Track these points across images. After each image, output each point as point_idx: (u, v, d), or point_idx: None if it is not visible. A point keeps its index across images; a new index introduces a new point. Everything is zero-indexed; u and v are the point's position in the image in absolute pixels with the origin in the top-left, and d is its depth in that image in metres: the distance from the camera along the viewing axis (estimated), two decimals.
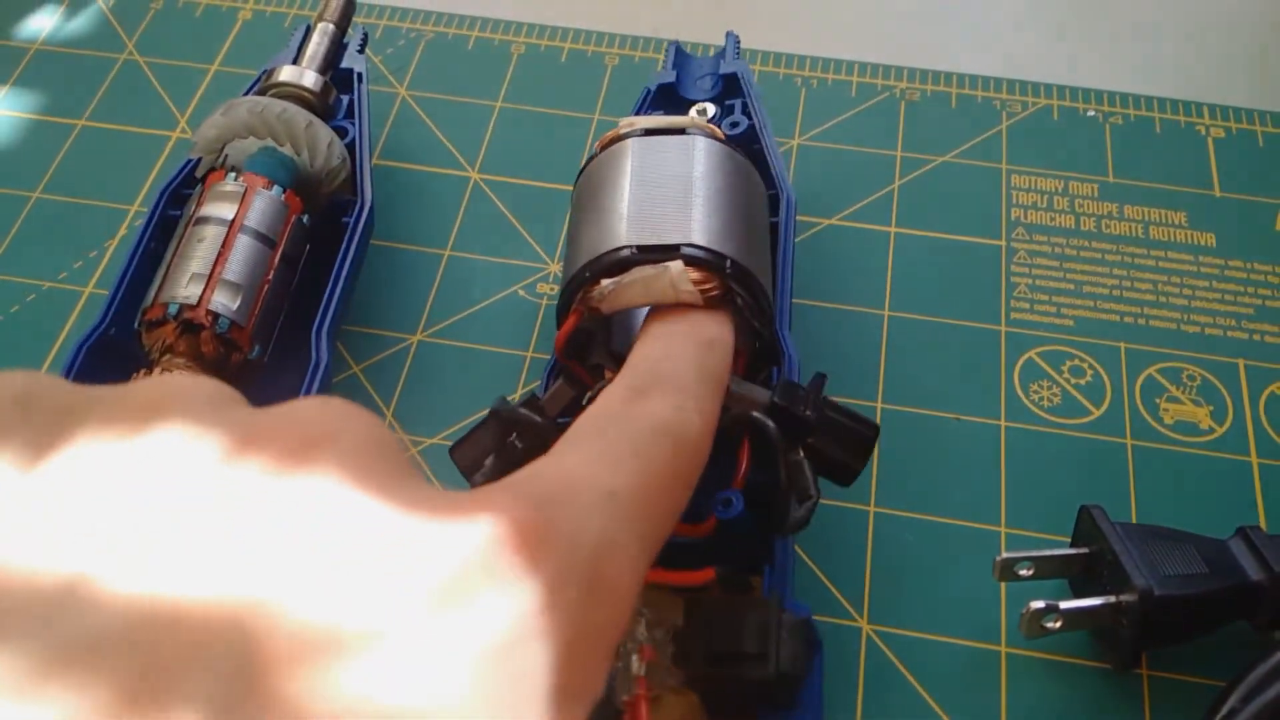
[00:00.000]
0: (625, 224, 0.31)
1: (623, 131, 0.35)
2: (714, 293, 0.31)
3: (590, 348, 0.34)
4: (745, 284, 0.31)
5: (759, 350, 0.33)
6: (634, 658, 0.26)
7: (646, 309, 0.35)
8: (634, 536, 0.19)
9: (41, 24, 0.50)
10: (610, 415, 0.23)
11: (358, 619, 0.13)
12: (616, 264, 0.31)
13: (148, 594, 0.13)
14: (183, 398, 0.16)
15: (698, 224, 0.31)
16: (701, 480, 0.32)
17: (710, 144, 0.34)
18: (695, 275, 0.30)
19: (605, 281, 0.31)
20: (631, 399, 0.23)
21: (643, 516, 0.20)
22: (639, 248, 0.31)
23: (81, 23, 0.50)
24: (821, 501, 0.35)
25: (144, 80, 0.48)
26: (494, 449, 0.29)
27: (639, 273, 0.30)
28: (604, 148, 0.35)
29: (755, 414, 0.28)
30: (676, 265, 0.30)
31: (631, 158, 0.33)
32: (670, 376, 0.25)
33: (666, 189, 0.32)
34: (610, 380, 0.33)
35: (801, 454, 0.28)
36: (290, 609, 0.13)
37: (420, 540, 0.15)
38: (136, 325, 0.36)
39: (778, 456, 0.28)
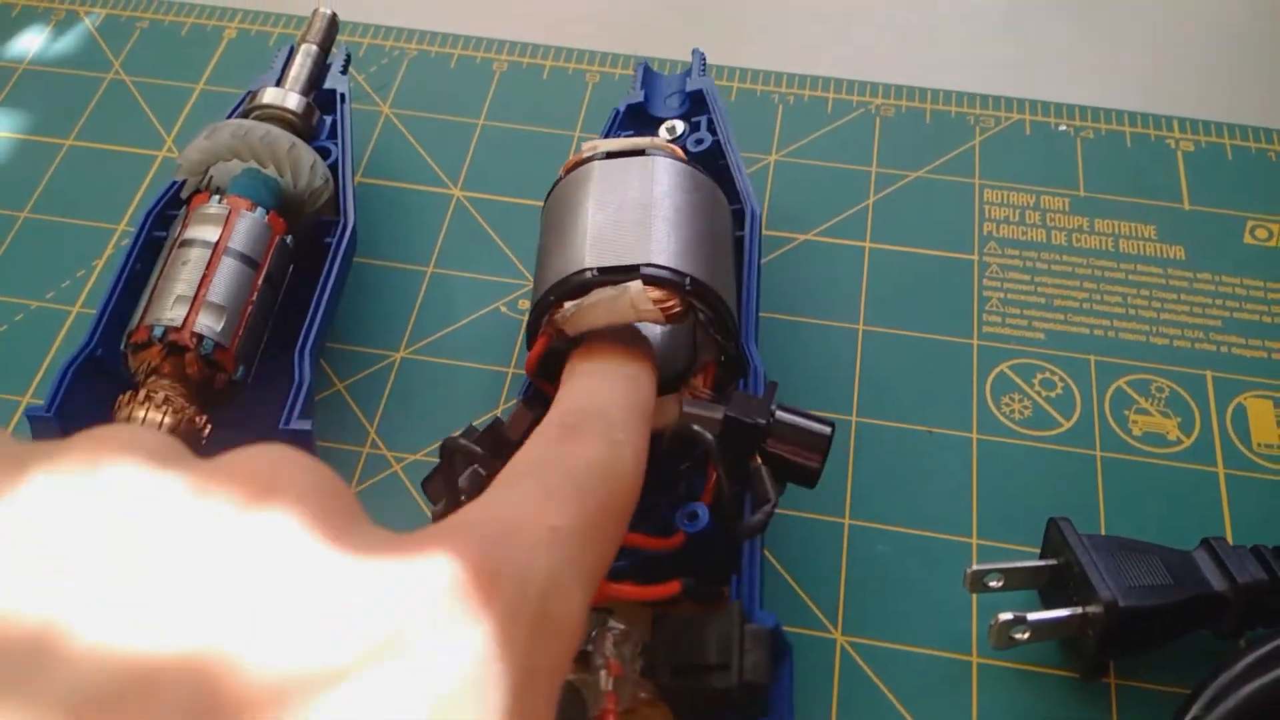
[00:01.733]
0: (587, 247, 0.32)
1: (585, 155, 0.36)
2: (675, 310, 0.31)
3: (561, 368, 0.35)
4: (706, 299, 0.32)
5: (725, 363, 0.33)
6: (602, 673, 0.27)
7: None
8: (577, 572, 0.19)
9: (29, 44, 0.51)
10: (545, 453, 0.23)
11: (313, 668, 0.14)
12: (579, 286, 0.32)
13: (109, 651, 0.13)
14: (130, 451, 0.16)
15: (657, 244, 0.32)
16: (671, 493, 0.33)
17: (670, 164, 0.35)
18: (656, 294, 0.31)
19: (568, 304, 0.32)
20: (564, 437, 0.24)
21: (584, 552, 0.20)
22: (600, 270, 0.31)
23: (68, 42, 0.51)
24: (797, 514, 0.36)
25: (130, 100, 0.49)
26: (458, 482, 0.30)
27: (600, 294, 0.31)
28: (568, 171, 0.36)
29: (694, 426, 0.29)
30: (636, 285, 0.31)
31: (593, 181, 0.34)
32: (600, 412, 0.25)
33: (627, 211, 0.33)
34: None
35: (759, 461, 0.29)
36: (248, 660, 0.13)
37: (371, 587, 0.15)
38: (122, 347, 0.36)
39: (718, 465, 0.29)
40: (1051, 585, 0.34)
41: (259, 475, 0.16)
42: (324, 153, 0.42)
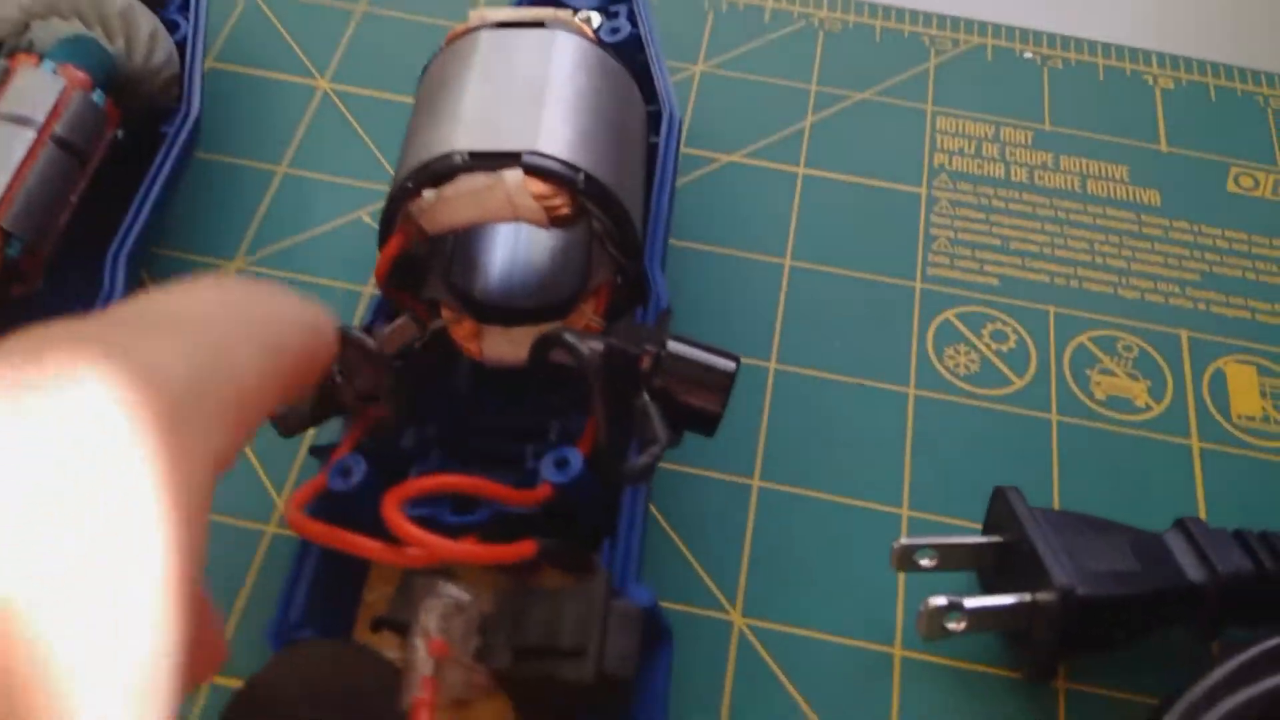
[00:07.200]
0: (461, 127, 0.27)
1: (472, 24, 0.30)
2: (563, 210, 0.25)
3: (424, 278, 0.28)
4: (604, 204, 0.26)
5: (621, 287, 0.27)
6: (421, 651, 0.21)
7: (505, 231, 0.30)
8: None
9: None
10: None
11: None
12: (445, 173, 0.25)
13: None
14: None
15: (547, 129, 0.26)
16: (540, 442, 0.27)
17: (574, 40, 0.29)
18: (539, 188, 0.25)
19: (428, 193, 0.25)
20: None
21: None
22: (472, 154, 0.25)
23: None
24: (697, 472, 0.30)
25: None
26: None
27: (468, 182, 0.25)
28: (451, 43, 0.30)
29: (566, 337, 0.23)
30: (514, 175, 0.25)
31: (478, 54, 0.29)
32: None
33: (515, 89, 0.28)
34: (452, 320, 0.28)
35: (647, 398, 0.23)
36: None
37: None
38: None
39: (594, 389, 0.23)
40: (995, 567, 0.28)
41: None
42: (172, 27, 0.36)
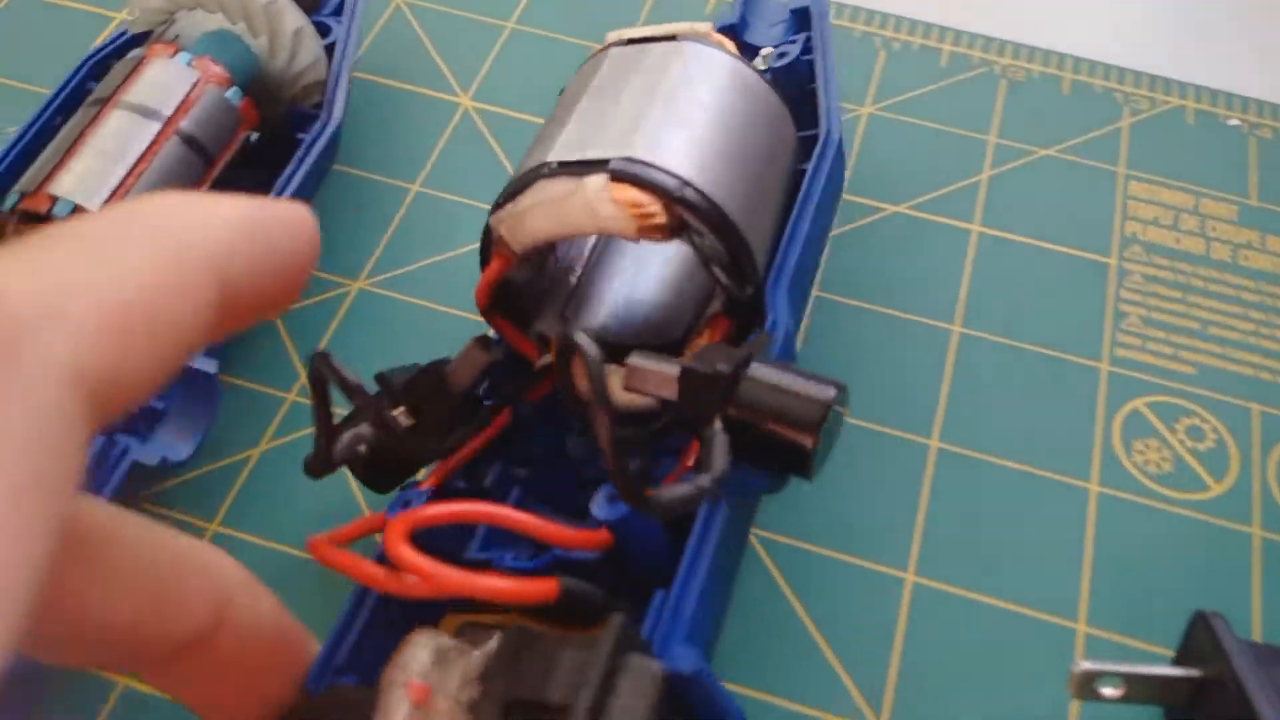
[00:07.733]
0: (560, 141, 0.24)
1: (607, 43, 0.28)
2: (655, 220, 0.23)
3: (535, 307, 0.26)
4: (707, 218, 0.23)
5: (732, 311, 0.24)
6: (398, 692, 0.18)
7: (627, 267, 0.27)
8: None
9: None
10: None
11: None
12: (531, 184, 0.23)
13: None
14: None
15: (646, 136, 0.24)
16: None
17: (705, 51, 0.27)
18: (628, 194, 0.22)
19: (508, 205, 0.23)
20: None
21: None
22: (561, 164, 0.23)
23: None
24: (843, 558, 0.27)
25: None
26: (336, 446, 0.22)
27: (545, 190, 0.23)
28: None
29: (576, 338, 0.20)
30: (595, 180, 0.23)
31: (600, 71, 0.27)
32: None
33: (624, 100, 0.25)
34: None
35: (718, 426, 0.20)
36: None
37: None
38: (6, 206, 0.28)
39: (593, 408, 0.19)
40: (1188, 705, 0.24)
41: None
42: (323, 30, 0.34)
